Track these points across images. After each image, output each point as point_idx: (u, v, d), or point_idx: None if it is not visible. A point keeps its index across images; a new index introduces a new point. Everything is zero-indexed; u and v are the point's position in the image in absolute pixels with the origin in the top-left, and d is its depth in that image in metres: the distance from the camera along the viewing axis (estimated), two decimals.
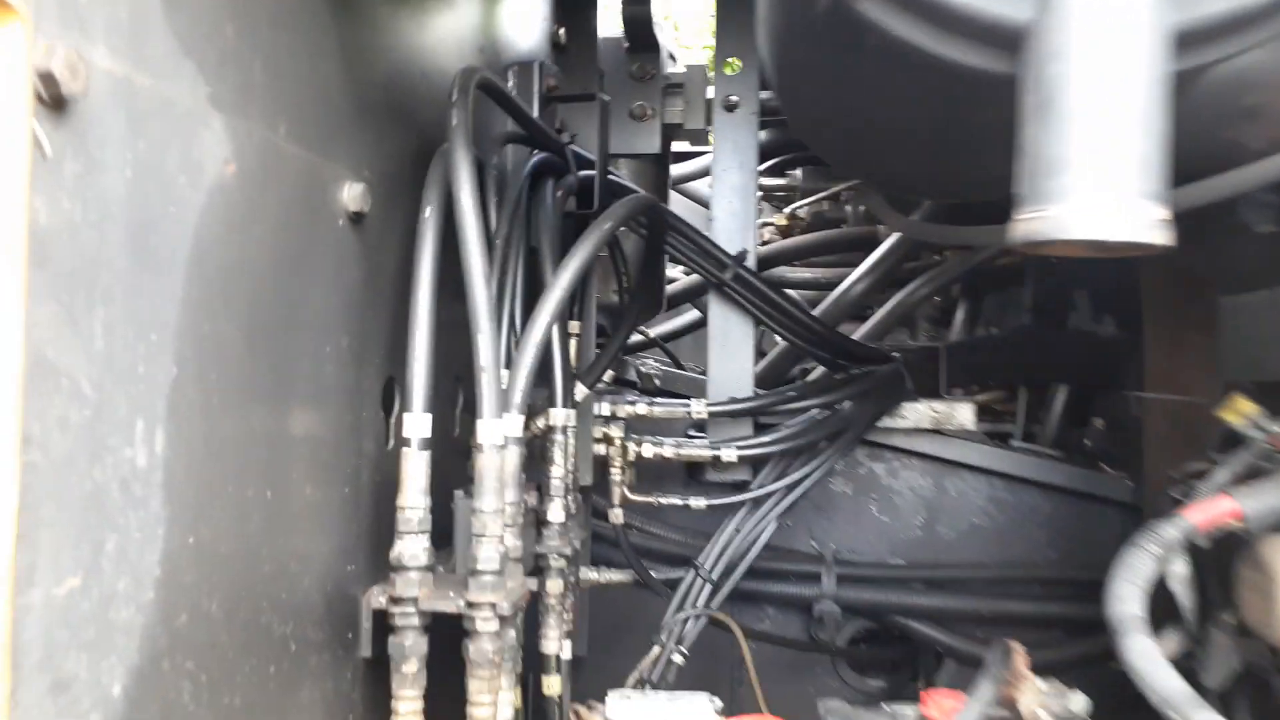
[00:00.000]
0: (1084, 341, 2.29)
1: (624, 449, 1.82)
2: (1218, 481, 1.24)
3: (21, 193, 0.60)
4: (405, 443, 1.14)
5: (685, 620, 1.79)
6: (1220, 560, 1.31)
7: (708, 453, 1.84)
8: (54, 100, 0.64)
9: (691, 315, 3.13)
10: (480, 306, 1.16)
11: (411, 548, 1.14)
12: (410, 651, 1.15)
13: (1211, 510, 1.18)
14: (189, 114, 0.80)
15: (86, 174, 0.68)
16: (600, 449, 1.83)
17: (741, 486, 1.98)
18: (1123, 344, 2.17)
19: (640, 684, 1.75)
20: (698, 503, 1.86)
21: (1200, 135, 1.07)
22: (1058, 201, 0.75)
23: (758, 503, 1.85)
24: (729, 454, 1.84)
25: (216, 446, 0.86)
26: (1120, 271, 2.00)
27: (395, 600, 1.14)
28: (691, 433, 2.04)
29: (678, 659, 1.78)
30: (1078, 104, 0.75)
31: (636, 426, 1.90)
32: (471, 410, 1.45)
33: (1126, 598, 1.10)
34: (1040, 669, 1.28)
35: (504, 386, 1.22)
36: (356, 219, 1.14)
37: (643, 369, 2.27)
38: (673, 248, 1.82)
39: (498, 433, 1.17)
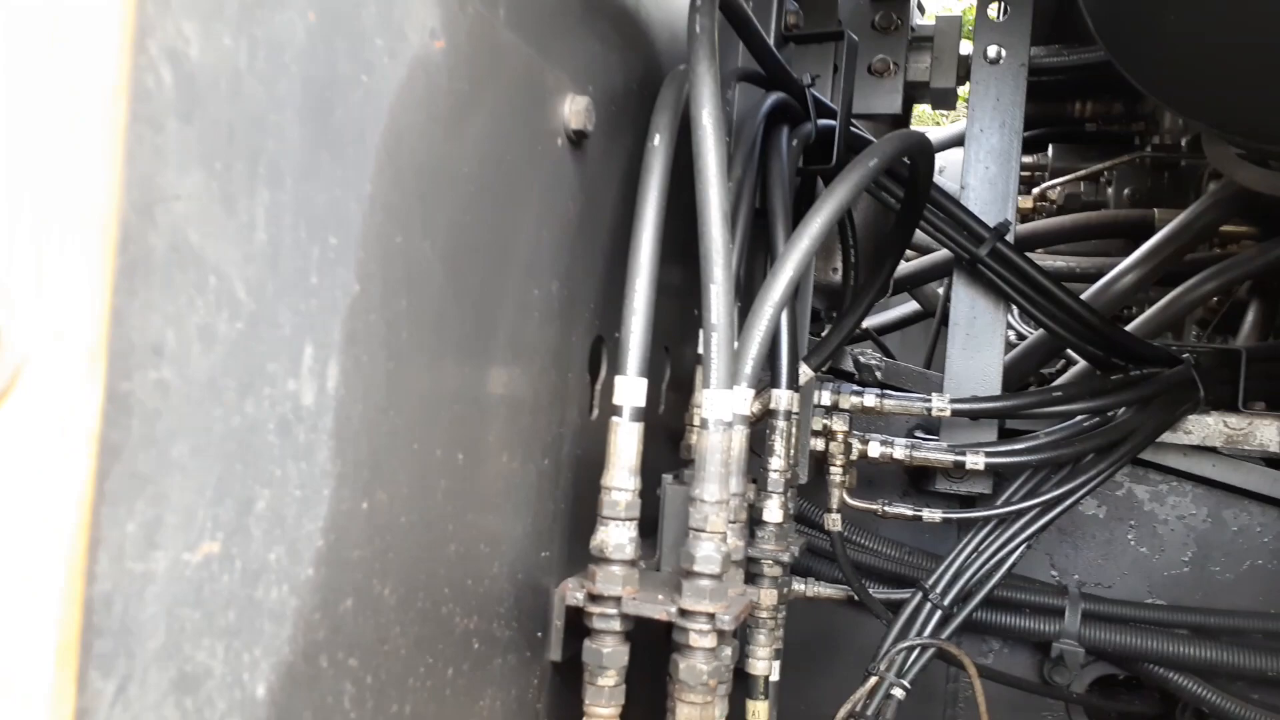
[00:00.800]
0: None
1: (847, 446, 1.58)
2: None
3: None
4: (616, 411, 0.95)
5: (911, 650, 1.54)
6: None
7: (949, 457, 1.57)
8: None
9: (908, 307, 2.84)
10: (717, 252, 0.95)
11: (617, 536, 0.95)
12: (609, 661, 0.95)
13: None
14: None
15: (257, 6, 0.51)
16: (819, 444, 1.59)
17: (976, 501, 1.71)
18: None
19: (851, 717, 1.51)
20: (932, 515, 1.59)
21: None
22: None
23: (1004, 521, 1.57)
24: (975, 460, 1.56)
25: (402, 392, 0.69)
26: None
27: (595, 598, 0.95)
28: (919, 434, 1.78)
29: (898, 693, 1.52)
30: None
31: (858, 422, 1.65)
32: (679, 387, 1.26)
33: None
34: None
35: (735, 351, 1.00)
36: (577, 140, 0.95)
37: (862, 359, 2.01)
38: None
39: (726, 408, 0.95)
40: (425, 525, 0.75)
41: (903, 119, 1.93)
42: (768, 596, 1.28)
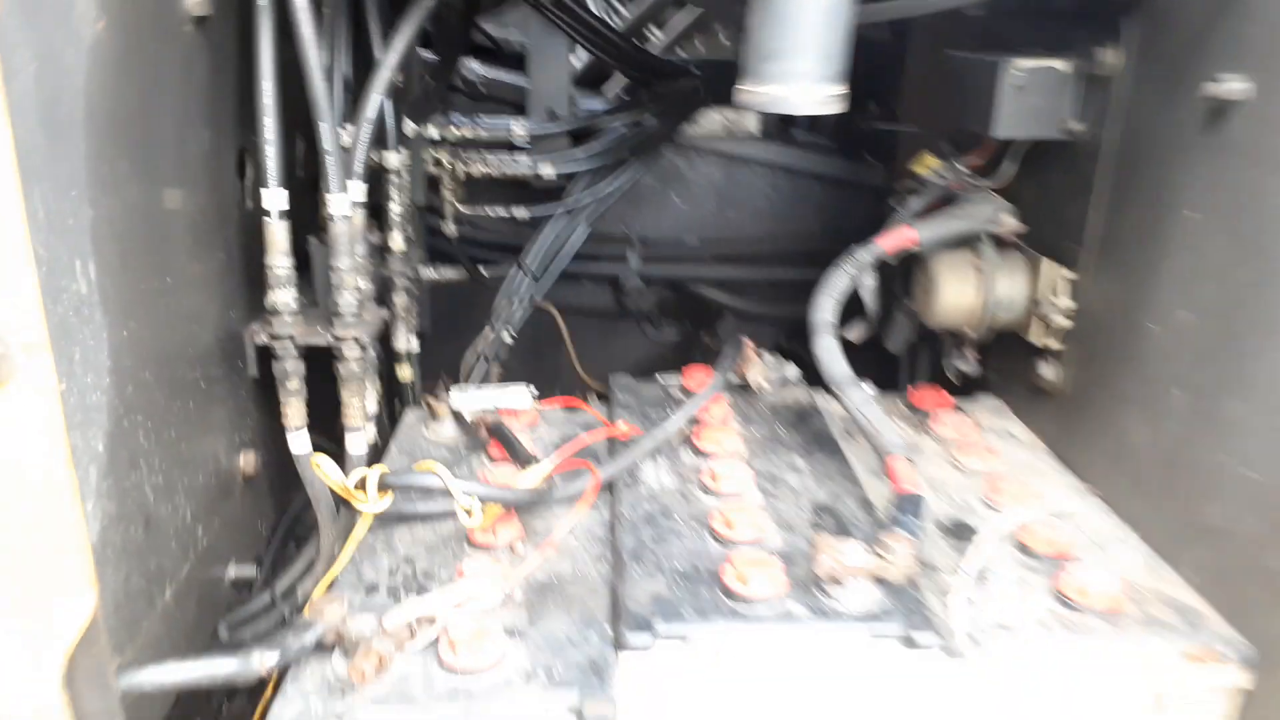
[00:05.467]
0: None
1: (453, 169, 2.09)
2: (902, 216, 1.65)
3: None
4: (266, 214, 1.40)
5: (513, 306, 2.17)
6: (904, 268, 1.75)
7: (528, 170, 2.13)
8: None
9: None
10: (320, 99, 1.37)
11: (283, 297, 1.45)
12: (292, 372, 1.49)
13: (896, 238, 1.59)
14: None
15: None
16: (432, 169, 2.08)
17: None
18: (892, 48, 2.48)
19: (477, 358, 2.15)
20: (520, 213, 2.17)
21: None
22: (771, 83, 1.05)
23: (570, 211, 2.18)
24: (547, 170, 2.13)
25: (122, 263, 1.12)
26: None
27: (275, 337, 1.46)
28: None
29: (507, 338, 2.17)
30: (785, 12, 1.02)
31: (464, 144, 2.14)
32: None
33: (823, 308, 1.52)
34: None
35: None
36: (201, 22, 1.30)
37: (468, 75, 2.45)
38: None
39: (345, 204, 1.44)
40: (158, 327, 1.21)
41: None
42: (400, 299, 1.83)
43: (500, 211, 2.18)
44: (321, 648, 1.06)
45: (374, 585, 1.21)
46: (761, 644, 1.08)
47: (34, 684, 0.78)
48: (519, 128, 2.13)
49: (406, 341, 1.91)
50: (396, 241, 1.79)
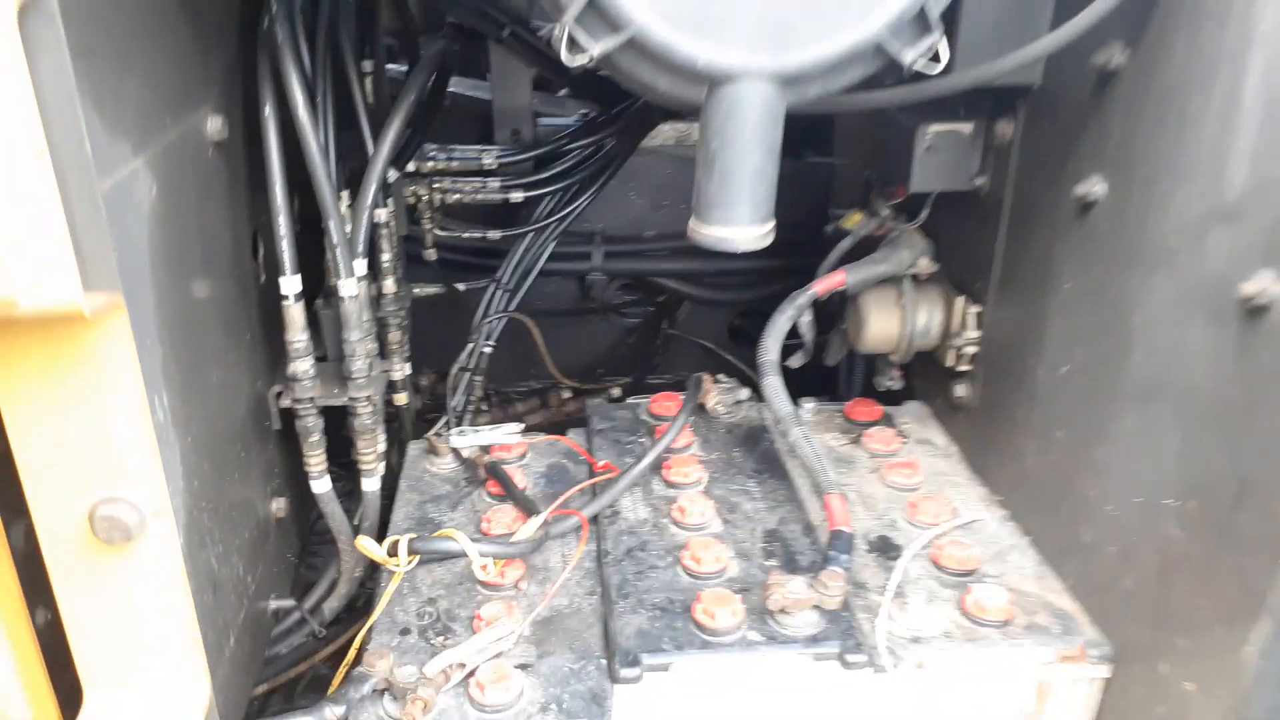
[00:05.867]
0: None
1: (430, 200, 2.28)
2: (831, 261, 1.89)
3: None
4: (285, 299, 1.61)
5: (490, 321, 2.38)
6: (840, 302, 2.00)
7: (499, 196, 2.33)
8: None
9: None
10: (327, 201, 1.57)
11: (303, 366, 1.66)
12: (313, 428, 1.71)
13: (828, 282, 1.83)
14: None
15: None
16: (410, 199, 2.27)
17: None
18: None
19: (461, 371, 2.37)
20: (493, 235, 2.37)
21: None
22: (718, 225, 1.27)
23: (538, 230, 2.38)
24: (517, 196, 2.33)
25: (184, 382, 1.33)
26: None
27: (297, 400, 1.68)
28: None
29: (487, 349, 2.40)
30: (723, 175, 1.24)
31: (438, 174, 2.33)
32: None
33: (769, 350, 1.76)
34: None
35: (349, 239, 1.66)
36: (219, 145, 1.49)
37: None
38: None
39: (353, 285, 1.64)
40: (208, 415, 1.43)
41: None
42: (395, 335, 2.04)
43: (476, 234, 2.37)
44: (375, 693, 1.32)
45: (406, 628, 1.46)
46: (727, 668, 1.36)
47: None
48: (488, 157, 2.32)
49: (401, 370, 2.12)
50: (389, 286, 2.00)
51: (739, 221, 1.27)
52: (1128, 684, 1.37)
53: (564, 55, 1.18)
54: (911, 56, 1.18)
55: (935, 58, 1.19)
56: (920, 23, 1.17)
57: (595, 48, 1.18)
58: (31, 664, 1.11)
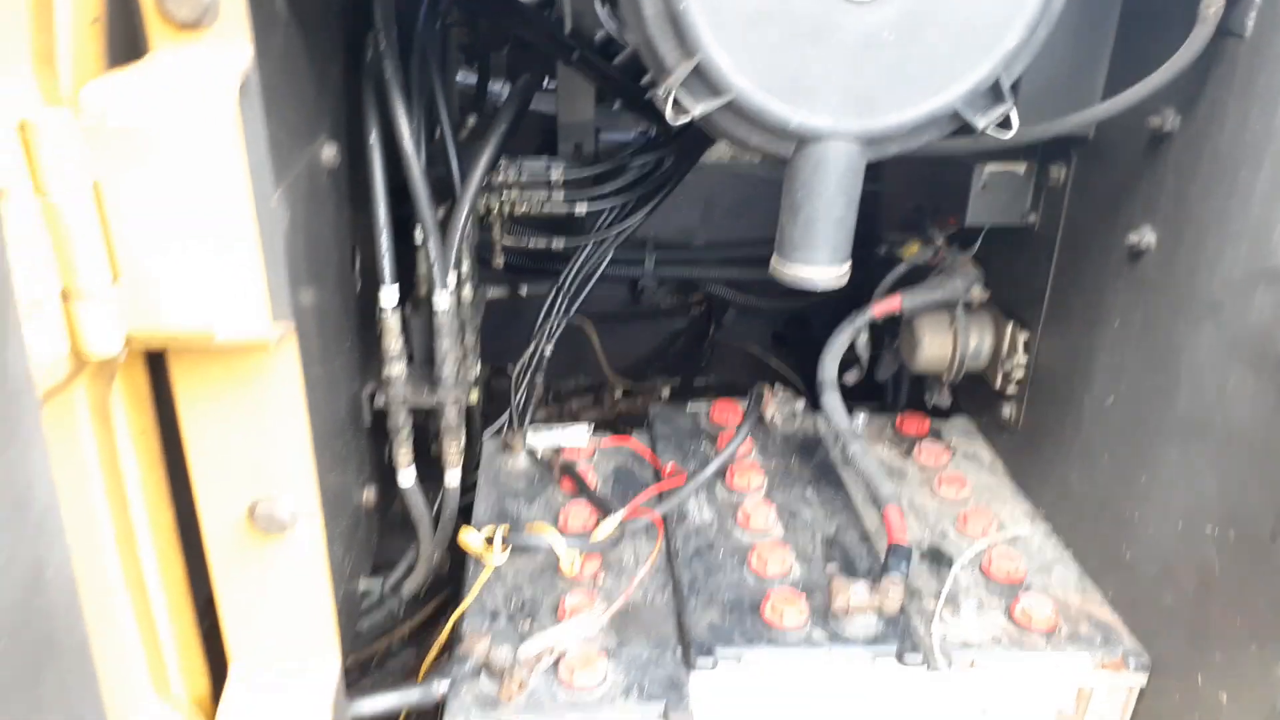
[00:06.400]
0: None
1: (500, 210, 2.40)
2: (886, 285, 2.01)
3: None
4: (382, 310, 1.74)
5: (552, 324, 2.51)
6: (894, 323, 2.12)
7: (564, 208, 2.45)
8: None
9: None
10: (428, 221, 1.70)
11: (396, 369, 1.79)
12: (403, 425, 1.84)
13: (886, 305, 1.95)
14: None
15: None
16: (481, 209, 2.39)
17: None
18: None
19: (524, 370, 2.50)
20: (558, 243, 2.50)
21: None
22: (800, 264, 1.39)
23: (599, 242, 2.51)
24: (581, 208, 2.45)
25: (325, 402, 1.46)
26: None
27: (390, 401, 1.81)
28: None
29: (547, 352, 2.52)
30: (807, 221, 1.36)
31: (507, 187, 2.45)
32: None
33: (828, 368, 1.88)
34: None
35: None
36: (334, 169, 1.61)
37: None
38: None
39: (447, 298, 1.77)
40: (328, 420, 1.55)
41: None
42: (470, 339, 2.17)
43: (541, 243, 2.50)
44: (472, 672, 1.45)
45: (495, 613, 1.59)
46: (793, 663, 1.48)
47: None
48: (555, 171, 2.44)
49: (474, 370, 2.25)
50: (466, 294, 2.12)
51: (819, 262, 1.39)
52: (1163, 692, 1.49)
53: (668, 114, 1.30)
54: (984, 124, 1.30)
55: (1005, 124, 1.31)
56: (993, 93, 1.29)
57: (697, 108, 1.30)
58: (189, 640, 1.24)
